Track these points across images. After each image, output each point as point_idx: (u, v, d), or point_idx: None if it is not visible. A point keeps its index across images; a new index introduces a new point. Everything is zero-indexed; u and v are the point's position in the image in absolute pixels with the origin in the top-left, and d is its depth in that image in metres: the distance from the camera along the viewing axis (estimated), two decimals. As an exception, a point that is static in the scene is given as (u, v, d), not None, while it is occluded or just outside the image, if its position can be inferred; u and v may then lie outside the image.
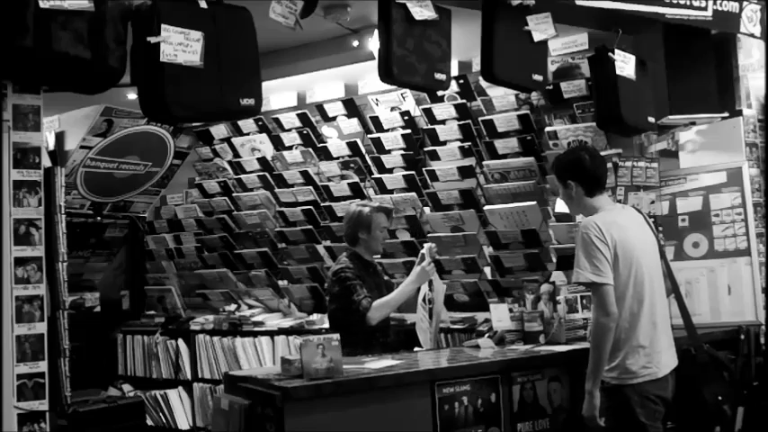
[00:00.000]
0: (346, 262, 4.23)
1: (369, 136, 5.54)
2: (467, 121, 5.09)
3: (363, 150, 5.57)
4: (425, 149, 5.25)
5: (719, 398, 3.45)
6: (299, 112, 5.85)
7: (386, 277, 4.43)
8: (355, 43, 5.06)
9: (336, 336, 3.20)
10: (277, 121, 5.95)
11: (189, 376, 5.97)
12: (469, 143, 5.08)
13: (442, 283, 4.33)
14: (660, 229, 4.43)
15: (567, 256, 4.26)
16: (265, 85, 3.45)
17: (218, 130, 6.26)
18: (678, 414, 3.43)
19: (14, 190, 3.24)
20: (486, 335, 4.17)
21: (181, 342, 6.02)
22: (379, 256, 4.47)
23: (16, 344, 3.21)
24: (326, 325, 5.28)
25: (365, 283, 4.15)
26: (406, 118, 5.39)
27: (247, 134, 6.15)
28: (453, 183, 5.09)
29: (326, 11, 4.55)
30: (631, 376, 3.19)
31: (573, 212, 3.78)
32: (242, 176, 6.12)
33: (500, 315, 4.07)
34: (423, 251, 4.23)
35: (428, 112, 5.23)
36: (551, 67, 4.73)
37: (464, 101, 5.14)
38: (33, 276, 3.27)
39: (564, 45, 4.71)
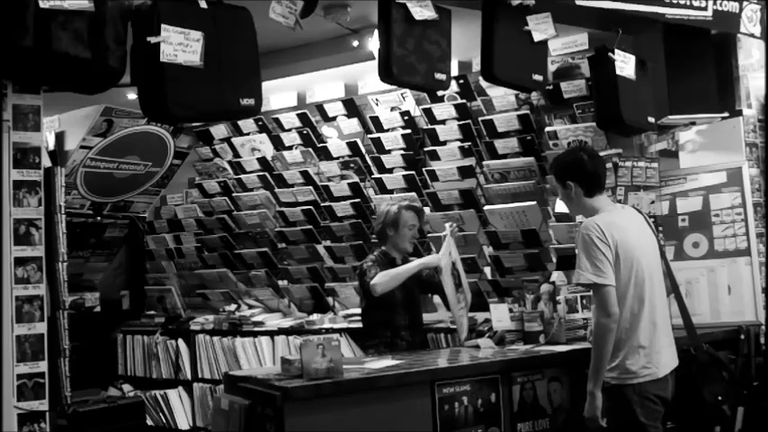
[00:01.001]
0: (371, 257, 4.34)
1: (369, 136, 5.54)
2: (467, 121, 5.09)
3: (363, 150, 5.57)
4: (425, 149, 5.25)
5: (719, 398, 3.45)
6: (299, 112, 5.85)
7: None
8: (355, 43, 5.06)
9: (336, 336, 3.21)
10: (277, 121, 5.95)
11: (189, 376, 5.96)
12: (469, 143, 5.08)
13: (448, 274, 4.27)
14: (660, 229, 4.43)
15: (567, 256, 4.25)
16: (265, 85, 3.45)
17: (218, 130, 6.26)
18: (678, 414, 3.43)
19: (14, 190, 3.24)
20: (486, 335, 4.17)
21: (181, 342, 6.01)
22: (408, 253, 4.49)
23: (16, 344, 3.21)
24: (327, 325, 5.31)
25: None
26: (406, 118, 5.39)
27: (247, 134, 6.15)
28: (453, 183, 5.09)
29: (326, 11, 4.55)
30: (631, 376, 3.18)
31: (572, 213, 3.78)
32: (242, 176, 6.12)
33: (500, 315, 4.07)
34: (445, 233, 4.30)
35: (428, 112, 5.23)
36: (551, 67, 4.73)
37: (464, 101, 5.14)
38: (33, 276, 3.27)
39: (564, 45, 4.71)
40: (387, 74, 3.50)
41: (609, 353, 3.15)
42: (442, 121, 5.20)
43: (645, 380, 3.18)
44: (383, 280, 4.13)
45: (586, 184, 3.35)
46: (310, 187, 5.74)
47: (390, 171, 5.39)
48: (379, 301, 4.22)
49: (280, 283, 5.91)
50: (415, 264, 4.26)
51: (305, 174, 5.77)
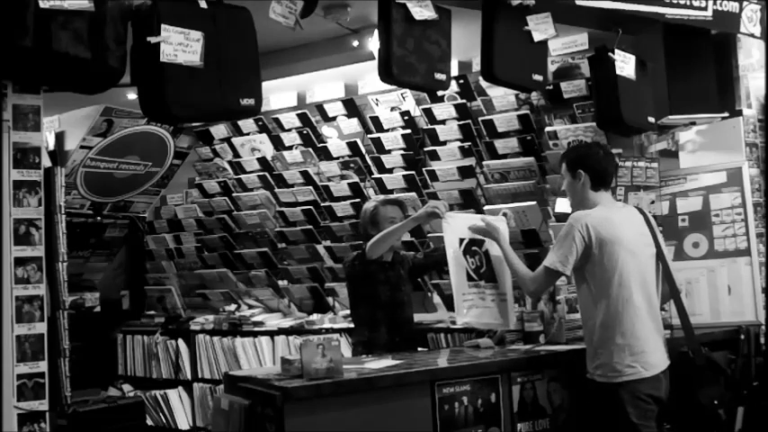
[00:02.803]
0: (356, 253, 4.25)
1: (369, 136, 5.54)
2: (467, 121, 5.09)
3: (363, 150, 5.57)
4: (425, 149, 5.25)
5: (715, 402, 3.45)
6: (299, 112, 5.85)
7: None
8: (355, 43, 5.06)
9: (336, 336, 3.21)
10: (277, 121, 5.95)
11: (189, 376, 5.97)
12: (469, 143, 5.08)
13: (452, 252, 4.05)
14: (660, 229, 4.42)
15: (566, 256, 4.24)
16: (265, 85, 3.45)
17: (218, 130, 6.26)
18: (674, 416, 3.43)
19: (14, 190, 3.23)
20: (486, 335, 4.16)
21: (181, 342, 6.01)
22: (397, 249, 4.38)
23: (16, 344, 3.21)
24: (327, 325, 5.31)
25: (377, 277, 4.14)
26: (406, 118, 5.39)
27: (247, 134, 6.14)
28: (453, 183, 5.09)
29: (326, 11, 4.55)
30: (617, 374, 3.21)
31: (573, 206, 3.76)
32: (242, 176, 6.12)
33: (500, 315, 4.07)
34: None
35: (428, 112, 5.23)
36: (551, 67, 4.73)
37: (464, 101, 5.14)
38: (33, 276, 3.26)
39: (564, 45, 4.71)
40: (387, 74, 3.50)
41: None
42: (442, 121, 5.19)
43: (631, 378, 3.20)
44: (375, 240, 4.02)
45: (595, 177, 3.41)
46: (310, 187, 5.74)
47: (390, 171, 5.39)
48: (361, 299, 4.17)
49: (280, 283, 5.91)
50: (407, 221, 4.04)
51: (305, 174, 5.77)
